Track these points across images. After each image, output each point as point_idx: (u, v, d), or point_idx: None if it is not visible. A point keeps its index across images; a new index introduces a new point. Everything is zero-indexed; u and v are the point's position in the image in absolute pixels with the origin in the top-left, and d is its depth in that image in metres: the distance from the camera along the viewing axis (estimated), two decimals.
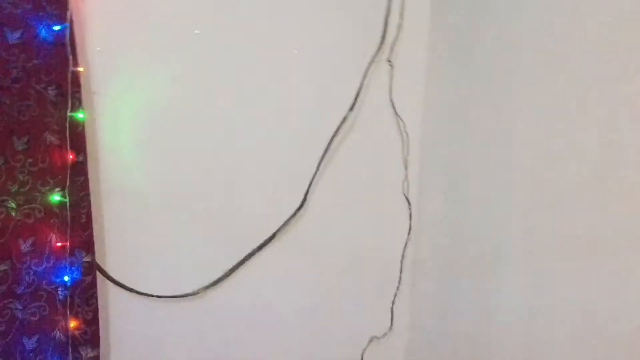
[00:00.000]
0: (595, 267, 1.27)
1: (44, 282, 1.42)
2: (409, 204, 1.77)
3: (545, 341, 1.40)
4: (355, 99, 1.65)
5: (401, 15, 1.69)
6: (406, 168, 1.75)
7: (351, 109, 1.65)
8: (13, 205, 1.36)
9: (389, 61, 1.68)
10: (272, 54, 1.64)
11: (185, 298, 1.61)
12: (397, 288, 1.79)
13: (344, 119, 1.65)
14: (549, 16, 1.39)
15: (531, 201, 1.45)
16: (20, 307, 1.40)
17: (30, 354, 1.43)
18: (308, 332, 1.79)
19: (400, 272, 1.78)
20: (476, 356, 1.63)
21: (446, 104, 1.74)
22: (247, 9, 1.60)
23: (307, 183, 1.67)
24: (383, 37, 1.67)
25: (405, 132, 1.73)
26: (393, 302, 1.79)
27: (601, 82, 1.25)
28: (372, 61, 1.66)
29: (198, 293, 1.62)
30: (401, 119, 1.72)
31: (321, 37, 1.68)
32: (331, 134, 1.66)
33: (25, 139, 1.36)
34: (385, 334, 1.82)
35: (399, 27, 1.68)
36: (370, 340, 1.84)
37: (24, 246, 1.39)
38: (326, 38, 1.68)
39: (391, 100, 1.71)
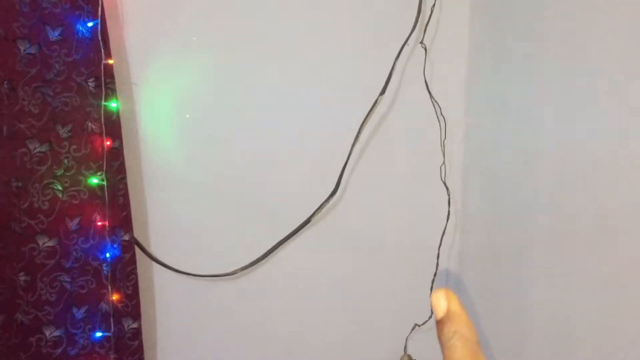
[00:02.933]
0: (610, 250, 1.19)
1: (90, 258, 1.56)
2: (448, 190, 1.73)
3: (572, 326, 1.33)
4: (386, 83, 1.64)
5: None
6: (444, 154, 1.71)
7: (382, 93, 1.64)
8: (59, 187, 1.50)
9: (422, 43, 1.65)
10: (307, 39, 1.67)
11: (222, 278, 1.70)
12: (435, 274, 1.76)
13: (375, 104, 1.64)
14: None
15: (558, 187, 1.37)
16: (68, 279, 1.55)
17: (80, 323, 1.58)
18: (347, 316, 1.81)
19: (437, 258, 1.75)
20: (513, 341, 1.57)
21: (488, 87, 1.68)
22: None
23: (341, 168, 1.69)
24: (416, 19, 1.64)
25: (442, 116, 1.70)
26: (431, 289, 1.77)
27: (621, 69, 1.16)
28: (404, 44, 1.64)
29: (235, 274, 1.70)
30: (437, 103, 1.68)
31: (354, 22, 1.69)
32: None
33: (68, 127, 1.49)
34: (425, 322, 1.79)
35: (434, 7, 1.65)
36: (413, 328, 1.82)
37: (72, 224, 1.53)
38: (359, 22, 1.69)
39: (425, 84, 1.67)
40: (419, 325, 1.81)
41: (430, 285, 1.77)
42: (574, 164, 1.32)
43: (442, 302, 0.49)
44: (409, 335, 1.83)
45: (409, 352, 1.83)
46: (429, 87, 1.68)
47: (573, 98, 1.32)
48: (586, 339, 1.30)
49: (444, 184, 1.73)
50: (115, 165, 1.52)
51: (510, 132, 1.57)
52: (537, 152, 1.45)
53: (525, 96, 1.50)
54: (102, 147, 1.51)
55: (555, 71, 1.38)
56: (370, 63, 1.68)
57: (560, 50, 1.36)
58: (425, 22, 1.65)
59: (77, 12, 1.44)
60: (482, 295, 1.75)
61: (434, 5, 1.65)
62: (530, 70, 1.48)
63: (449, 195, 1.73)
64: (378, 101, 1.65)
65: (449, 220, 1.75)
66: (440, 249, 1.76)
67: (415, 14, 1.64)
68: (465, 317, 0.48)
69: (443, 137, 1.71)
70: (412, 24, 1.64)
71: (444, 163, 1.72)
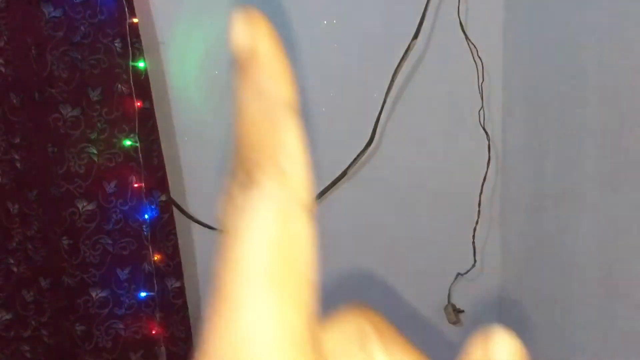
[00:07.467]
0: None
1: (130, 220, 1.57)
2: (487, 134, 1.67)
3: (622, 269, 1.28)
4: (419, 26, 1.57)
5: None
6: (482, 97, 1.65)
7: (415, 37, 1.58)
8: (94, 151, 1.51)
9: None
10: None
11: None
12: (477, 222, 1.71)
13: (408, 49, 1.58)
14: None
15: (609, 124, 1.30)
16: (110, 242, 1.57)
17: (125, 284, 1.60)
18: (390, 267, 1.80)
19: (479, 206, 1.70)
20: (558, 291, 1.53)
21: (527, 24, 1.60)
22: None
23: (375, 118, 1.64)
24: None
25: (479, 58, 1.62)
26: (473, 237, 1.73)
27: None
28: None
29: None
30: (473, 45, 1.61)
31: None
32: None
33: (99, 90, 1.48)
34: (468, 271, 1.76)
35: None
36: (456, 277, 1.79)
37: (109, 187, 1.53)
38: None
39: (460, 25, 1.60)
40: (462, 274, 1.78)
41: (472, 233, 1.73)
42: (625, 94, 1.24)
43: None
44: (452, 284, 1.80)
45: (452, 301, 1.81)
46: (464, 28, 1.61)
47: (622, 26, 1.24)
48: (631, 293, 1.25)
49: (483, 128, 1.67)
50: (148, 126, 1.51)
51: (552, 69, 1.50)
52: (581, 87, 1.38)
53: (566, 30, 1.42)
54: (133, 109, 1.50)
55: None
56: (401, 6, 1.61)
57: None
58: None
59: None
60: (525, 243, 1.71)
61: None
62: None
63: (488, 140, 1.68)
64: (411, 46, 1.58)
65: (490, 166, 1.70)
66: (482, 196, 1.71)
67: None
68: None
69: (480, 80, 1.64)
70: None
71: (482, 107, 1.65)
